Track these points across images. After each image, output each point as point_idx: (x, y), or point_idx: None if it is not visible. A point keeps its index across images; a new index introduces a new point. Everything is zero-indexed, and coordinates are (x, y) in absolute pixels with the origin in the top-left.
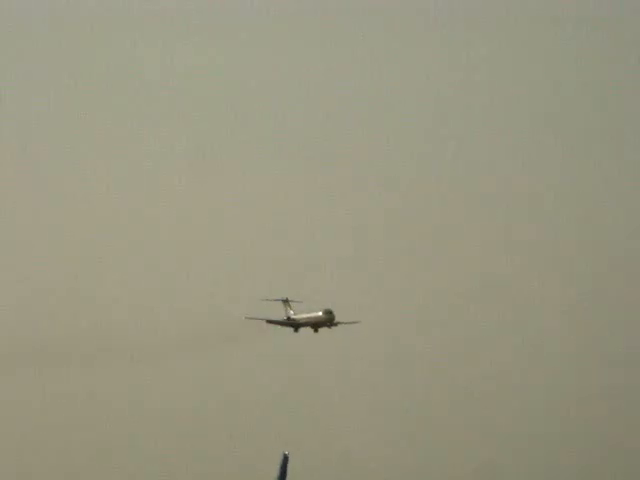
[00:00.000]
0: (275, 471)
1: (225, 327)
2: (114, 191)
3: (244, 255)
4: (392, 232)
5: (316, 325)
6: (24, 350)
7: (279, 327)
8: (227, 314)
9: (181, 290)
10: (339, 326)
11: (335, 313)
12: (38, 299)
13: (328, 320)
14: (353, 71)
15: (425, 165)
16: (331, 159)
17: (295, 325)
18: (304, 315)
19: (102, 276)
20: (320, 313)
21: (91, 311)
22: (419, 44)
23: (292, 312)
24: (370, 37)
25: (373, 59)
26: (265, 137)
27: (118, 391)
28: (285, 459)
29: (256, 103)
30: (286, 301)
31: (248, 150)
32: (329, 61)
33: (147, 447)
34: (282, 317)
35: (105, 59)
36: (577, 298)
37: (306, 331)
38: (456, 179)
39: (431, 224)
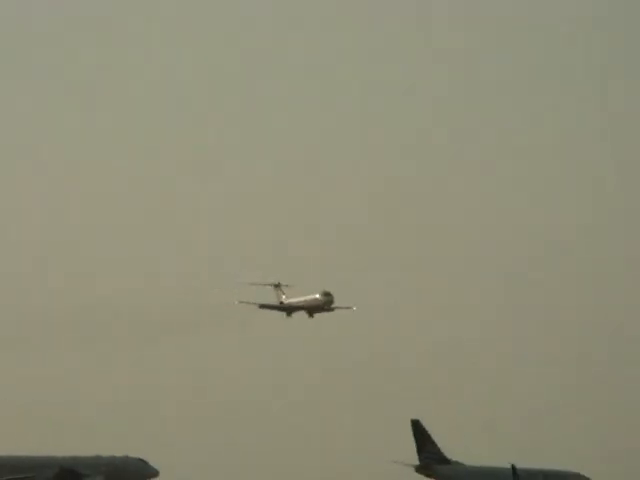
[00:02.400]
0: None
1: (216, 312)
2: (98, 174)
3: (232, 239)
4: (385, 216)
5: (312, 309)
6: None
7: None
8: (216, 299)
9: (168, 274)
10: (335, 311)
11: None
12: (17, 279)
13: (327, 303)
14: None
15: (422, 152)
16: (327, 144)
17: (289, 309)
18: (299, 299)
19: (87, 259)
20: (317, 295)
21: (80, 292)
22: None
23: (284, 296)
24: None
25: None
26: (256, 123)
27: (103, 376)
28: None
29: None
30: (278, 285)
31: (240, 133)
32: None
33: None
34: (274, 302)
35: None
36: None
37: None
38: (454, 166)
39: (428, 209)
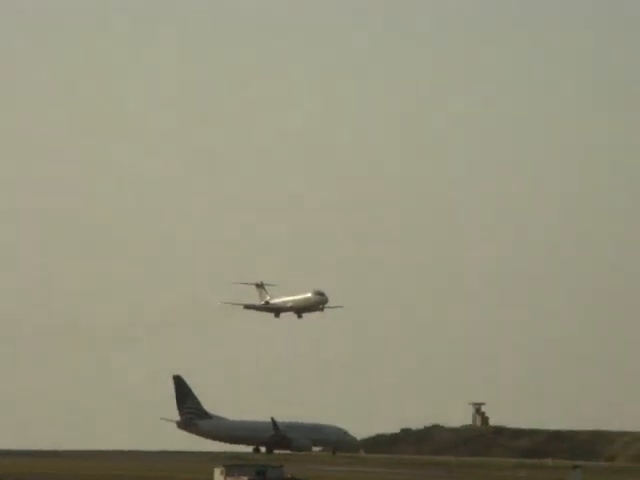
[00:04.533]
0: None
1: (198, 313)
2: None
3: (213, 238)
4: (369, 213)
5: (303, 309)
6: None
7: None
8: (199, 299)
9: (149, 274)
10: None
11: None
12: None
13: (320, 302)
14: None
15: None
16: (311, 142)
17: (276, 310)
18: (287, 298)
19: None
20: (309, 294)
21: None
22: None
23: (269, 296)
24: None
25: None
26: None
27: (83, 375)
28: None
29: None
30: (261, 285)
31: (226, 133)
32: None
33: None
34: (258, 302)
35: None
36: None
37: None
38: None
39: (413, 205)
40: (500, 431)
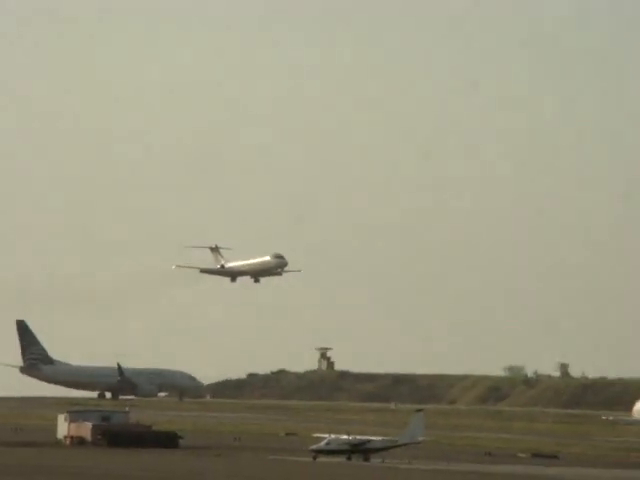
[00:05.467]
0: None
1: (153, 277)
2: None
3: (166, 200)
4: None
5: (261, 273)
6: None
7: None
8: (152, 263)
9: (103, 239)
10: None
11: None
12: None
13: (279, 266)
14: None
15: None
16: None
17: (232, 274)
18: (244, 262)
19: None
20: (268, 257)
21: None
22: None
23: (223, 260)
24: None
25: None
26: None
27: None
28: None
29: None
30: (215, 248)
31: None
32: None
33: None
34: (213, 266)
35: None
36: None
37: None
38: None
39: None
40: (345, 375)
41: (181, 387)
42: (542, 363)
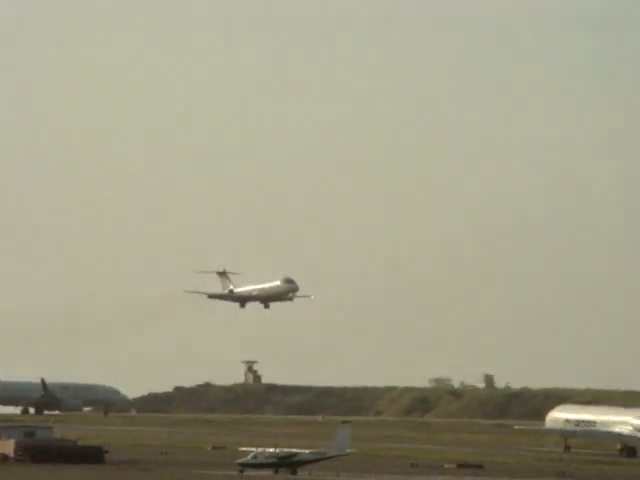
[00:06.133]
0: None
1: (161, 302)
2: None
3: (173, 225)
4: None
5: (271, 298)
6: None
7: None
8: (161, 288)
9: (109, 262)
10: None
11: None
12: None
13: (290, 290)
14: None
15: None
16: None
17: (242, 299)
18: (253, 287)
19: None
20: (278, 282)
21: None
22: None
23: (232, 285)
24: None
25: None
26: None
27: None
28: None
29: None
30: (223, 273)
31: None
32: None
33: None
34: (221, 291)
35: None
36: None
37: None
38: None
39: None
40: (272, 388)
41: (106, 401)
42: (468, 374)
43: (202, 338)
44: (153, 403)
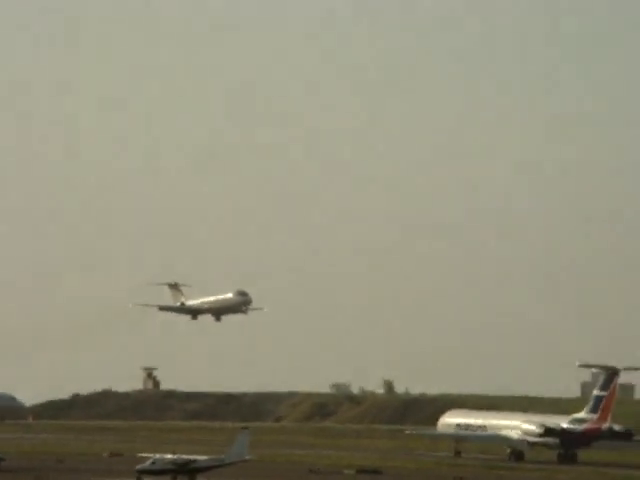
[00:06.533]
0: None
1: (110, 315)
2: None
3: (122, 236)
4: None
5: (223, 311)
6: None
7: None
8: (109, 301)
9: (56, 276)
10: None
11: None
12: None
13: (243, 303)
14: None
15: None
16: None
17: (194, 312)
18: (205, 299)
19: None
20: (230, 295)
21: None
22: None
23: (183, 298)
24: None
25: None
26: None
27: None
28: None
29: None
30: (174, 285)
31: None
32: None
33: None
34: (173, 303)
35: None
36: None
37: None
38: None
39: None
40: (171, 395)
41: (2, 408)
42: (368, 380)
43: (101, 345)
44: (50, 410)
